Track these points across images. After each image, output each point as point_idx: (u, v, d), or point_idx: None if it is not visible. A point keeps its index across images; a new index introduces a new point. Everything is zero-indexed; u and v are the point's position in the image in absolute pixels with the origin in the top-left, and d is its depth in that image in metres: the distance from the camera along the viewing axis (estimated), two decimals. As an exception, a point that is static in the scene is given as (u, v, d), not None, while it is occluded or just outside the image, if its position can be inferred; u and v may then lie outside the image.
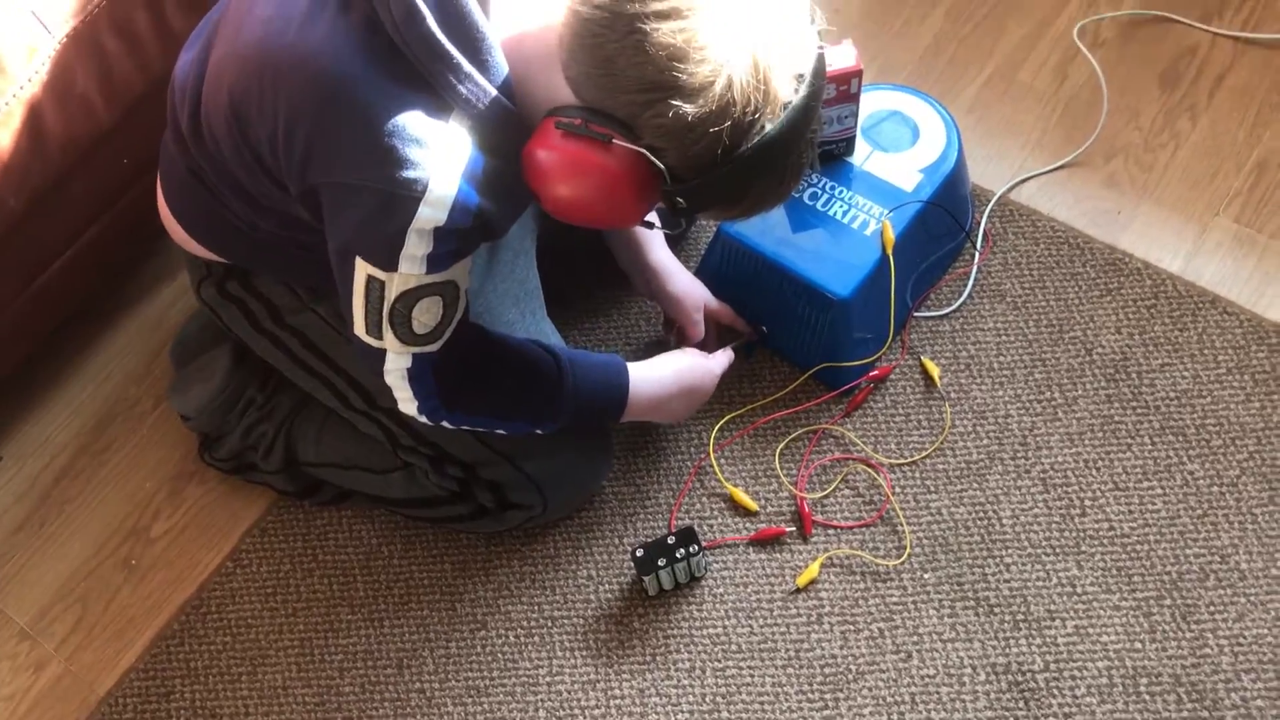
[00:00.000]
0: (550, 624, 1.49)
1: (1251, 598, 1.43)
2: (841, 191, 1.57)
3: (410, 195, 1.14)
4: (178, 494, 1.62)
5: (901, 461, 1.55)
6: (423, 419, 1.32)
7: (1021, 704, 1.41)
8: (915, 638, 1.45)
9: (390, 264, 1.18)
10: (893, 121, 1.61)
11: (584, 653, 1.47)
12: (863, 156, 1.59)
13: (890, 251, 1.53)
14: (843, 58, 1.49)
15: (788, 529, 1.50)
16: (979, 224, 1.70)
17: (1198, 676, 1.39)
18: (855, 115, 1.55)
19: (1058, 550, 1.49)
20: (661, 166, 1.12)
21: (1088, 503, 1.51)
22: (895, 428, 1.57)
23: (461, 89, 1.14)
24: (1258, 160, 1.70)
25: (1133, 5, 1.85)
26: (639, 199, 1.16)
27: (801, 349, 1.59)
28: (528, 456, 1.43)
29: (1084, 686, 1.41)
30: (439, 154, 1.15)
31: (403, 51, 1.14)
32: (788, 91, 1.12)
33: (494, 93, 1.15)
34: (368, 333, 1.23)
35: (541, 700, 1.45)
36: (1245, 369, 1.56)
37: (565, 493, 1.47)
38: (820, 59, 1.15)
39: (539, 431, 1.39)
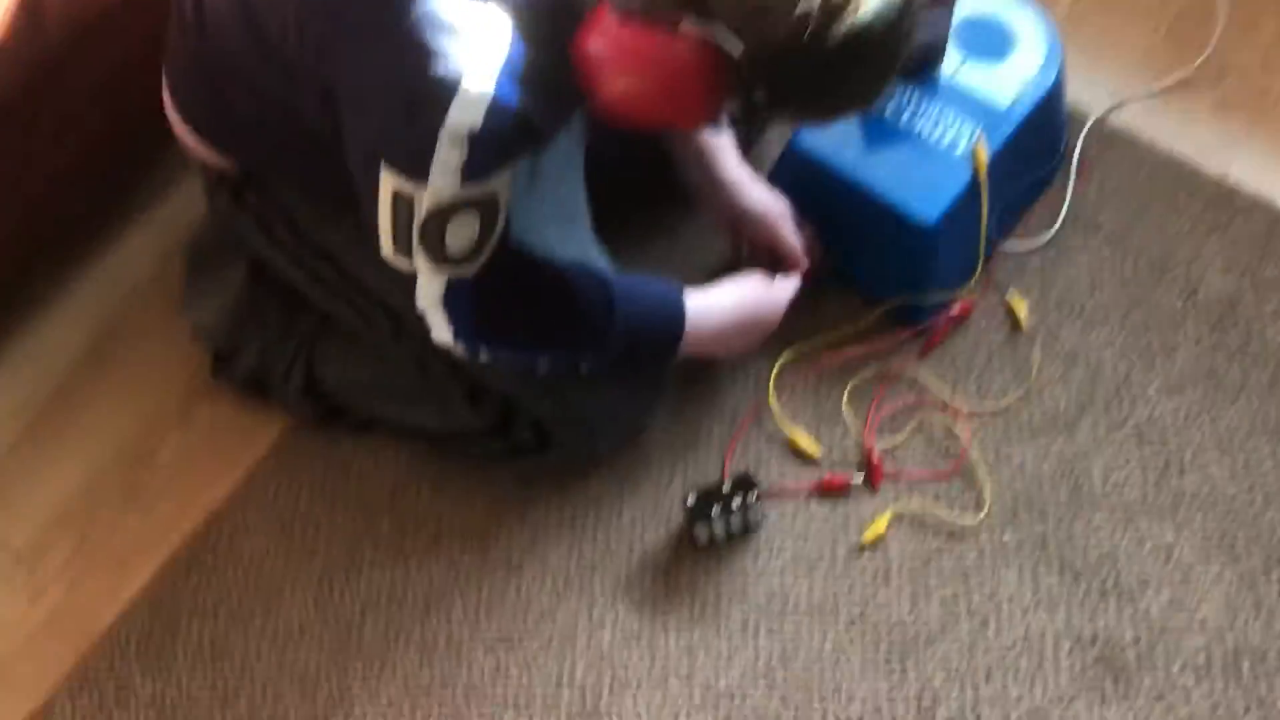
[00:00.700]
0: (590, 571, 1.38)
1: (1368, 573, 1.34)
2: (928, 105, 1.42)
3: (440, 94, 1.02)
4: (187, 415, 1.50)
5: (982, 409, 1.42)
6: (459, 349, 1.21)
7: (1109, 680, 1.30)
8: (992, 603, 1.34)
9: (420, 175, 1.06)
10: (988, 28, 1.46)
11: (627, 604, 1.37)
12: (953, 66, 1.45)
13: (983, 175, 1.41)
14: (939, -47, 1.37)
15: (854, 479, 1.39)
16: (1074, 149, 1.55)
17: (1306, 658, 1.31)
18: (949, 17, 1.41)
19: (1153, 512, 1.37)
20: (737, 53, 1.00)
21: (1187, 461, 1.39)
22: (976, 371, 1.45)
23: None
24: (1389, 87, 1.59)
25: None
26: (709, 93, 1.03)
27: (876, 281, 1.46)
28: (573, 390, 1.32)
29: (1179, 664, 1.30)
30: (473, 44, 1.03)
31: None
32: None
33: None
34: (396, 253, 1.12)
35: (580, 654, 1.35)
36: (1369, 319, 1.46)
37: (612, 430, 1.37)
38: None
39: (584, 366, 1.28)
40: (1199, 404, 1.42)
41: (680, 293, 1.32)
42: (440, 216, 1.09)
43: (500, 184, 1.12)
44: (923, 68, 1.45)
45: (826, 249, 1.46)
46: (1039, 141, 1.49)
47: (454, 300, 1.16)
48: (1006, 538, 1.37)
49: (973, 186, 1.39)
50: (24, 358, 1.57)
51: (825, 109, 1.07)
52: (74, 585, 1.44)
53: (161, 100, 1.38)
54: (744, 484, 1.36)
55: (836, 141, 1.41)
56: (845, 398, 1.44)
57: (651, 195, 1.50)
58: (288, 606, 1.40)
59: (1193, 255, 1.50)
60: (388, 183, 1.08)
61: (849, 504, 1.40)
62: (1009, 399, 1.43)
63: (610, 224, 1.41)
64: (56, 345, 1.58)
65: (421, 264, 1.13)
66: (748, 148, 1.52)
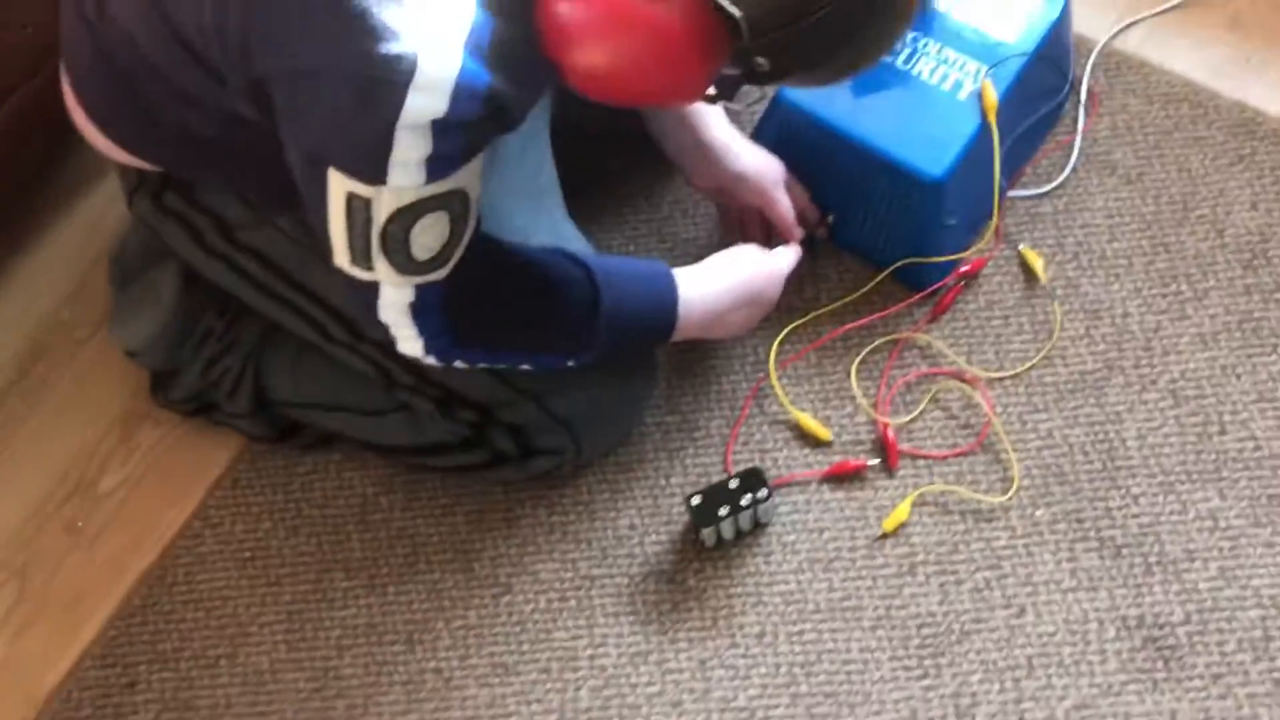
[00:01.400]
0: (588, 585, 1.28)
1: None
2: (927, 45, 1.30)
3: (393, 79, 0.90)
4: (128, 439, 1.38)
5: (1002, 375, 1.32)
6: (430, 359, 1.09)
7: (1160, 664, 1.21)
8: (1029, 588, 1.24)
9: (376, 176, 0.93)
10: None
11: (631, 619, 1.26)
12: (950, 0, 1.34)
13: (993, 118, 1.28)
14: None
15: (869, 461, 1.29)
16: (1081, 81, 1.44)
17: (1371, 625, 1.23)
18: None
19: (1194, 477, 1.27)
20: (738, 14, 0.89)
21: (1227, 418, 1.29)
22: (993, 334, 1.34)
23: None
24: None
25: None
26: (704, 63, 0.92)
27: (878, 243, 1.35)
28: (555, 392, 1.20)
29: (1234, 641, 1.21)
30: (429, 15, 0.90)
31: None
32: None
33: None
34: (354, 263, 0.99)
35: (583, 677, 1.24)
36: None
37: (602, 431, 1.25)
38: None
39: (570, 364, 1.17)
40: (1236, 354, 1.32)
41: (670, 273, 1.20)
42: (404, 219, 0.97)
43: (469, 175, 0.99)
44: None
45: (824, 213, 1.35)
46: (1047, 76, 1.38)
47: (423, 309, 1.04)
48: (1039, 515, 1.27)
49: (982, 133, 1.28)
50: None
51: (832, 72, 0.96)
52: (17, 638, 1.31)
53: (60, 92, 1.24)
54: (752, 480, 1.25)
55: (827, 92, 1.28)
56: (853, 373, 1.33)
57: (625, 161, 1.38)
58: (256, 648, 1.28)
59: (1217, 191, 1.39)
60: (338, 185, 0.95)
61: (865, 490, 1.29)
62: (1030, 362, 1.33)
63: (581, 197, 1.28)
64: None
65: (384, 273, 1.01)
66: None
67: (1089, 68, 1.45)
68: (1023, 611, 1.24)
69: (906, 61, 1.30)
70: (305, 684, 1.26)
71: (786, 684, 1.23)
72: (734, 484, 1.25)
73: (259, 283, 1.20)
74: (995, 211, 1.34)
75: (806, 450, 1.32)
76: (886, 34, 0.96)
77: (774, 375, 1.33)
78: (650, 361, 1.28)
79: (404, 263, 1.00)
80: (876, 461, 1.30)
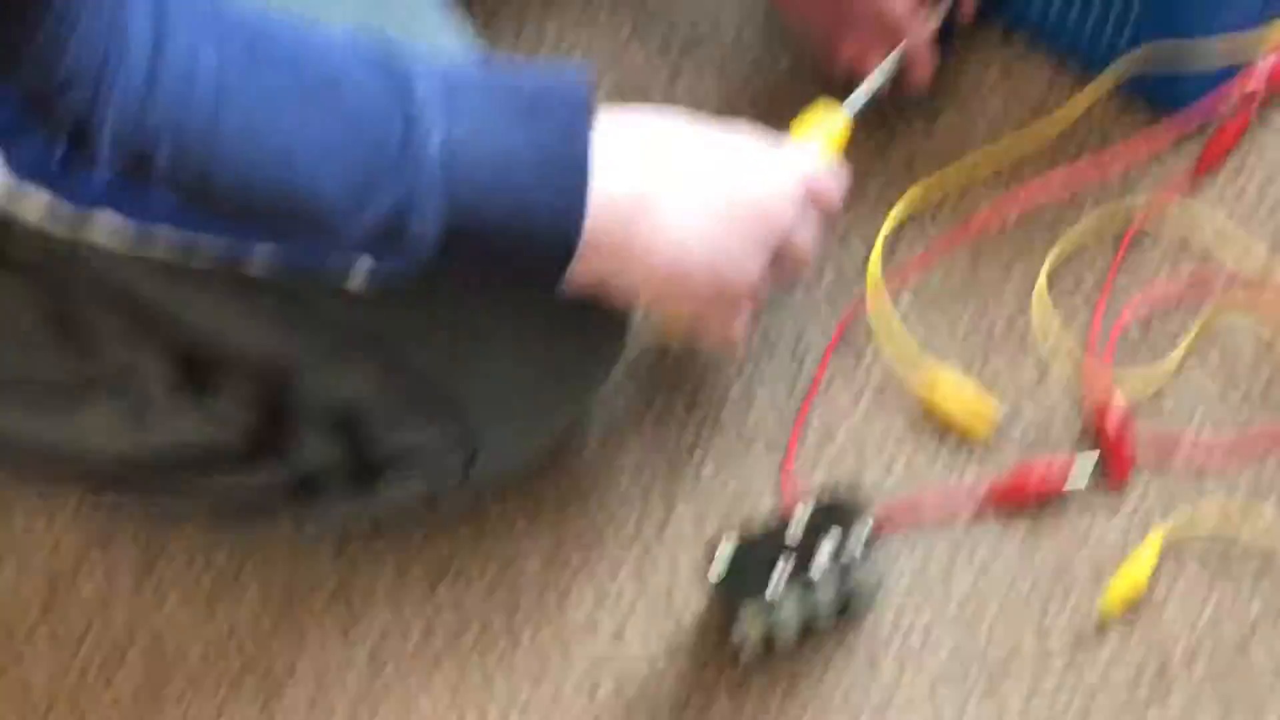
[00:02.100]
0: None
1: None
2: None
3: None
4: None
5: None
6: (97, 221, 0.50)
7: None
8: None
9: None
10: None
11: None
12: None
13: None
14: None
15: (1075, 471, 0.65)
16: None
17: None
18: None
19: None
20: None
21: None
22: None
23: None
24: None
25: None
26: None
27: (1092, 21, 0.69)
28: (427, 345, 0.60)
29: None
30: None
31: None
32: None
33: None
34: None
35: None
36: None
37: (519, 431, 0.63)
38: None
39: (363, 273, 0.54)
40: None
41: (583, 102, 0.56)
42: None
43: None
44: None
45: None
46: None
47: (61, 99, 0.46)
48: None
49: None
50: None
51: None
52: None
53: None
54: (834, 517, 0.62)
55: None
56: (1039, 287, 0.69)
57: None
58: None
59: None
60: None
61: (1066, 526, 0.66)
62: None
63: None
64: None
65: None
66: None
67: None
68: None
69: None
70: None
71: None
72: (799, 523, 0.65)
73: None
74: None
75: (944, 450, 0.67)
76: None
77: (881, 297, 0.69)
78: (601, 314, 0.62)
79: None
80: (1090, 468, 0.66)
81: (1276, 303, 0.69)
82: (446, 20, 0.63)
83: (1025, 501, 0.67)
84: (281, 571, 0.69)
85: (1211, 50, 0.68)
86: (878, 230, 0.70)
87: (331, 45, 0.53)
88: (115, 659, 0.68)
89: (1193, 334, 0.68)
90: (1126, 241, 0.70)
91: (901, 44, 0.68)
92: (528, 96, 0.55)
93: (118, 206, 0.50)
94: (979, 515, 0.67)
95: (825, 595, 0.64)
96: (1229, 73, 0.71)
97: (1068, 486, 0.66)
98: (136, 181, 0.50)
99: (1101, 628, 0.65)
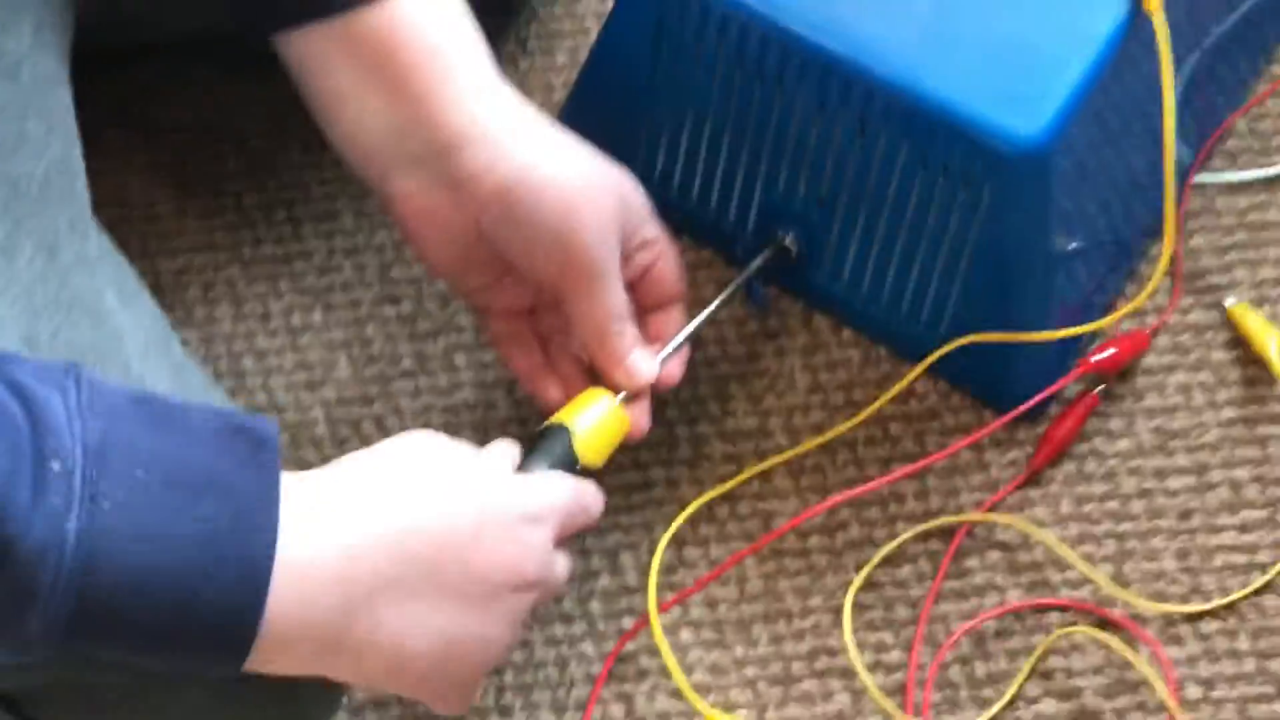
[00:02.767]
0: None
1: None
2: None
3: None
4: None
5: (1198, 608, 0.59)
6: None
7: None
8: None
9: None
10: None
11: None
12: None
13: (1156, 12, 0.56)
14: None
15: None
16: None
17: None
18: None
19: None
20: None
21: None
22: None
23: None
24: None
25: None
26: None
27: (901, 299, 0.62)
28: (71, 709, 0.50)
29: None
30: None
31: None
32: None
33: None
34: None
35: None
36: None
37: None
38: None
39: None
40: None
41: (274, 467, 0.45)
42: None
43: None
44: None
45: (770, 233, 0.62)
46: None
47: None
48: None
49: (1133, 37, 0.56)
50: None
51: None
52: None
53: None
54: None
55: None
56: (847, 610, 0.59)
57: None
58: None
59: None
60: None
61: None
62: (1260, 578, 0.61)
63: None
64: None
65: None
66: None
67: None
68: None
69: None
70: None
71: None
72: None
73: None
74: (1168, 223, 0.60)
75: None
76: None
77: (655, 622, 0.58)
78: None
79: None
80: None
81: (1122, 626, 0.59)
82: (140, 325, 0.53)
83: None
84: None
85: (1043, 343, 0.61)
86: (656, 544, 0.61)
87: None
88: None
89: (1024, 672, 0.59)
90: (949, 555, 0.61)
91: (686, 329, 0.59)
92: (201, 463, 0.44)
93: None
94: None
95: None
96: (1068, 354, 0.63)
97: None
98: None
99: None
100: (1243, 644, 0.60)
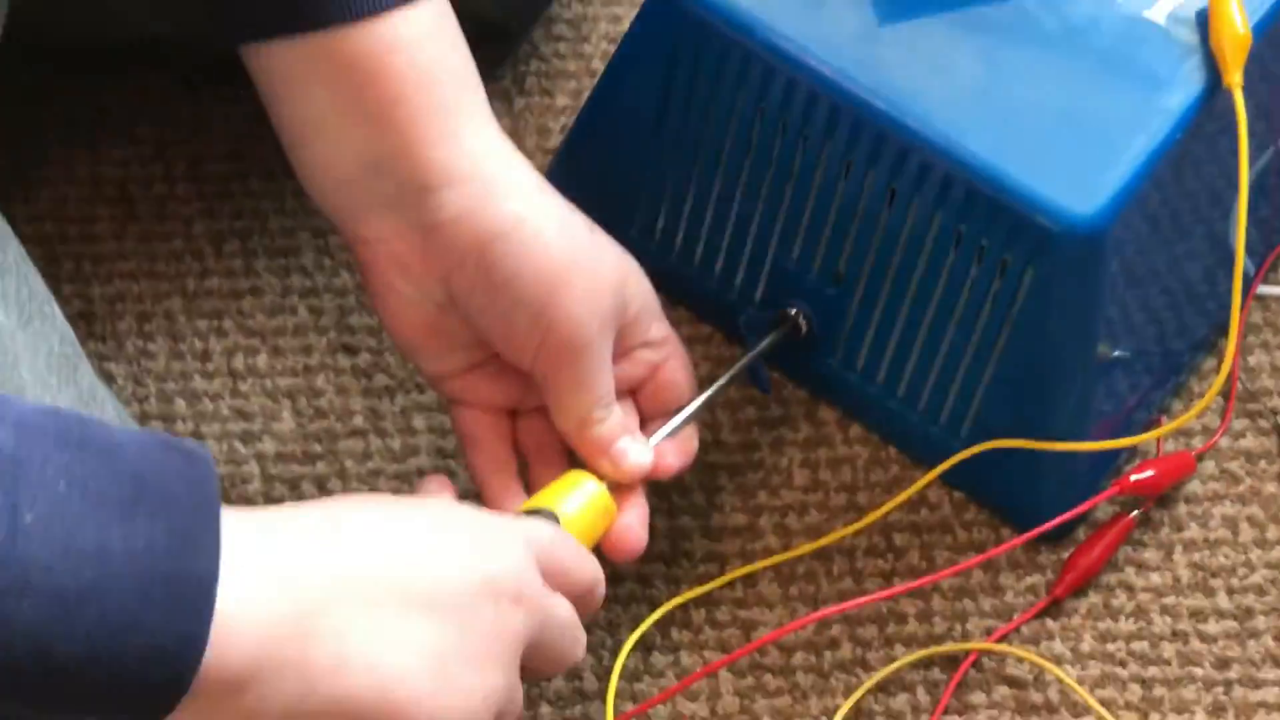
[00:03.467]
0: None
1: None
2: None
3: None
4: None
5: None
6: None
7: None
8: None
9: None
10: None
11: None
12: None
13: (1236, 78, 0.50)
14: None
15: None
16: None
17: None
18: None
19: None
20: None
21: None
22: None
23: None
24: None
25: None
26: None
27: (918, 396, 0.57)
28: None
29: None
30: None
31: None
32: None
33: None
34: None
35: None
36: None
37: None
38: None
39: None
40: None
41: (209, 465, 0.40)
42: None
43: None
44: None
45: (778, 310, 0.57)
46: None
47: None
48: None
49: (1204, 125, 0.52)
50: None
51: None
52: None
53: None
54: None
55: (827, 17, 0.52)
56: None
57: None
58: None
59: None
60: None
61: None
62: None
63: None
64: None
65: None
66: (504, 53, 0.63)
67: None
68: None
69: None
70: None
71: None
72: None
73: None
74: (1232, 333, 0.55)
75: None
76: None
77: None
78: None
79: None
80: None
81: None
82: (41, 349, 0.47)
83: None
84: None
85: (1075, 456, 0.56)
86: (620, 647, 0.55)
87: None
88: None
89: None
90: (954, 684, 0.57)
91: (685, 410, 0.53)
92: (131, 477, 0.39)
93: None
94: None
95: None
96: (1098, 476, 0.58)
97: None
98: None
99: None
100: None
